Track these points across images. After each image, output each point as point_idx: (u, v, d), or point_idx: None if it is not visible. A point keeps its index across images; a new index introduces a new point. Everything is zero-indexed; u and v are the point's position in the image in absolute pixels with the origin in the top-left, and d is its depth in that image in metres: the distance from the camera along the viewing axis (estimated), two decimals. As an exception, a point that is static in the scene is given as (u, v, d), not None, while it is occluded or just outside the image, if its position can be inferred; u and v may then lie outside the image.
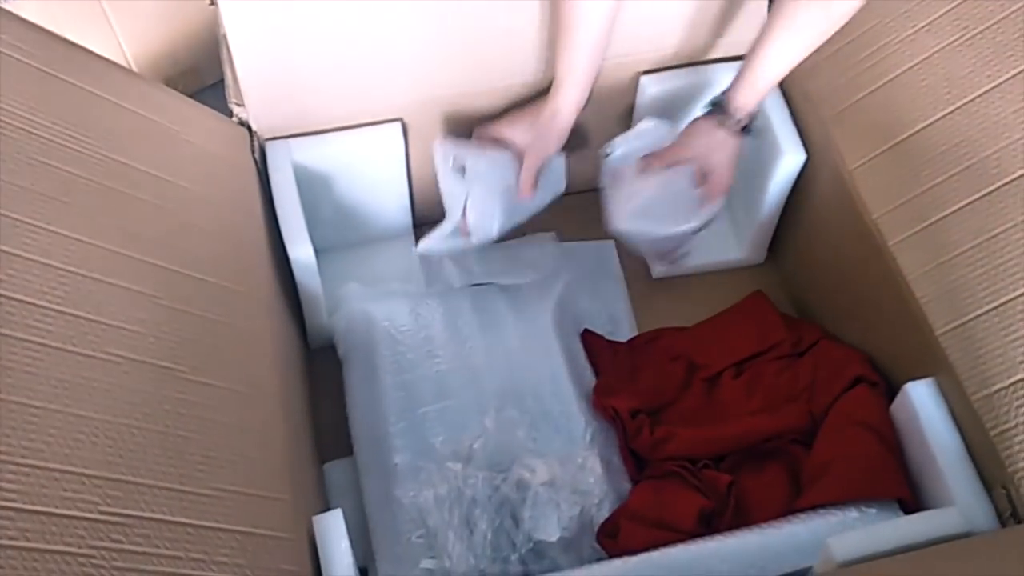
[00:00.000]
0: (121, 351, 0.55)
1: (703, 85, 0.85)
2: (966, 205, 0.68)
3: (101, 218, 0.60)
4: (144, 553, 0.49)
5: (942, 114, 0.71)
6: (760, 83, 0.74)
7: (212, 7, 0.72)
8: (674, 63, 0.85)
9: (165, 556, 0.50)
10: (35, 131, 0.60)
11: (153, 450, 0.54)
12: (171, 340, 0.59)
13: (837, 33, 0.72)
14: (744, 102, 0.74)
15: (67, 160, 0.61)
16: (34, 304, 0.53)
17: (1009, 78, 0.68)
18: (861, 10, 0.70)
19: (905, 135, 0.73)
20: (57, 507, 0.47)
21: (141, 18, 1.02)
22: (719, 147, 0.76)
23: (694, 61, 0.85)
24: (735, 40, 0.84)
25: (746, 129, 0.76)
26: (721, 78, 0.84)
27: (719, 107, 0.76)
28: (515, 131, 0.80)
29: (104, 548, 0.48)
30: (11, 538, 0.44)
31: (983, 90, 0.69)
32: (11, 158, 0.57)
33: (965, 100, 0.70)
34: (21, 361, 0.50)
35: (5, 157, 0.57)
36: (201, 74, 1.08)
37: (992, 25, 0.70)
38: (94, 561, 0.47)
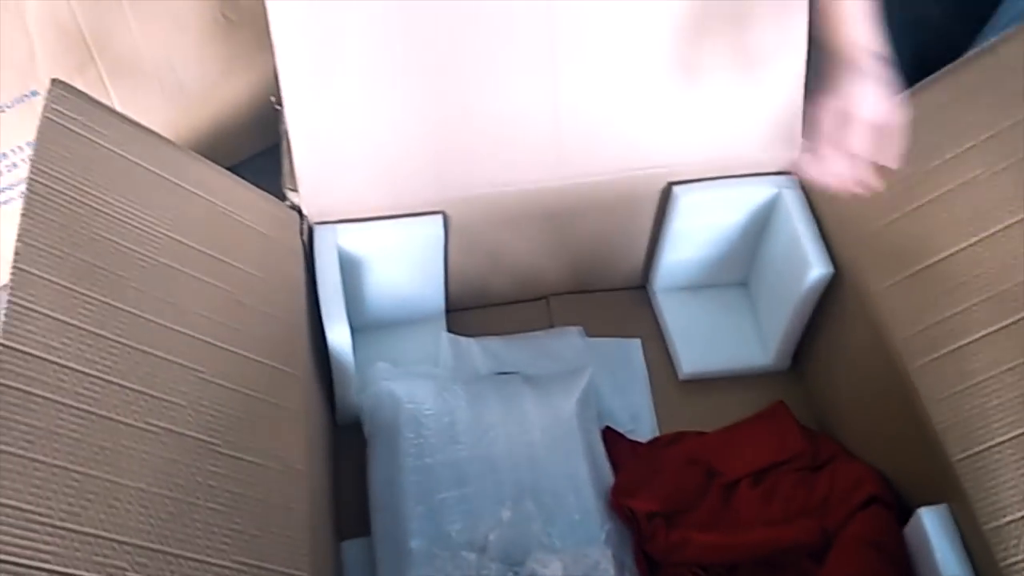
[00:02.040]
0: (162, 422, 0.58)
1: (735, 198, 0.88)
2: (986, 335, 0.69)
3: (155, 293, 0.64)
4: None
5: (966, 244, 0.73)
6: None
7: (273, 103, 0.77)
8: (707, 175, 0.88)
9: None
10: (101, 208, 0.64)
11: (183, 520, 0.56)
12: (209, 414, 0.62)
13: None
14: None
15: (128, 237, 0.65)
16: (84, 372, 0.56)
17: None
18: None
19: (930, 262, 0.74)
20: (88, 570, 0.50)
21: (149, 114, 1.04)
22: None
23: (727, 175, 0.88)
24: (768, 158, 0.87)
25: None
26: (753, 190, 0.87)
27: None
28: None
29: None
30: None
31: (1005, 224, 0.72)
32: (77, 233, 0.61)
33: (987, 233, 0.72)
34: (68, 427, 0.53)
35: (67, 230, 0.61)
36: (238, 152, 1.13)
37: (1016, 162, 0.73)
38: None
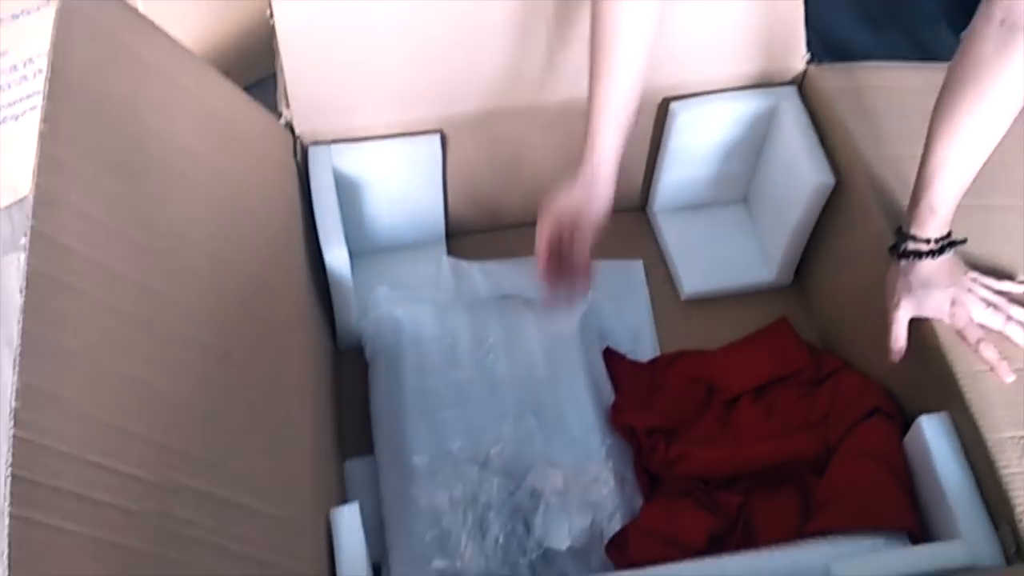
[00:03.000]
0: (181, 325, 0.58)
1: (734, 112, 0.87)
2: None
3: (171, 193, 0.63)
4: (169, 515, 0.51)
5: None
6: (948, 206, 0.68)
7: (269, 18, 0.75)
8: (704, 90, 0.86)
9: (183, 520, 0.52)
10: (118, 104, 0.62)
11: (197, 421, 0.56)
12: (216, 320, 0.61)
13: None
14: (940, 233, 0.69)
15: (146, 133, 0.63)
16: (108, 267, 0.54)
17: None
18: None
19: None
20: (112, 458, 0.49)
21: (177, 23, 1.05)
22: None
23: (725, 88, 0.86)
24: (768, 69, 0.85)
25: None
26: (753, 104, 0.86)
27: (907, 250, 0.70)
28: (552, 224, 0.76)
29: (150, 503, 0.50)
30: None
31: None
32: (98, 122, 0.59)
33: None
34: (95, 319, 0.52)
35: (94, 121, 0.59)
36: (231, 79, 1.12)
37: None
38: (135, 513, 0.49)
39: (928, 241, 0.69)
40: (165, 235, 0.61)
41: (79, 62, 0.61)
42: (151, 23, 0.70)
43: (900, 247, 0.70)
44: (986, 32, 0.61)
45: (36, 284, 0.49)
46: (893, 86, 0.84)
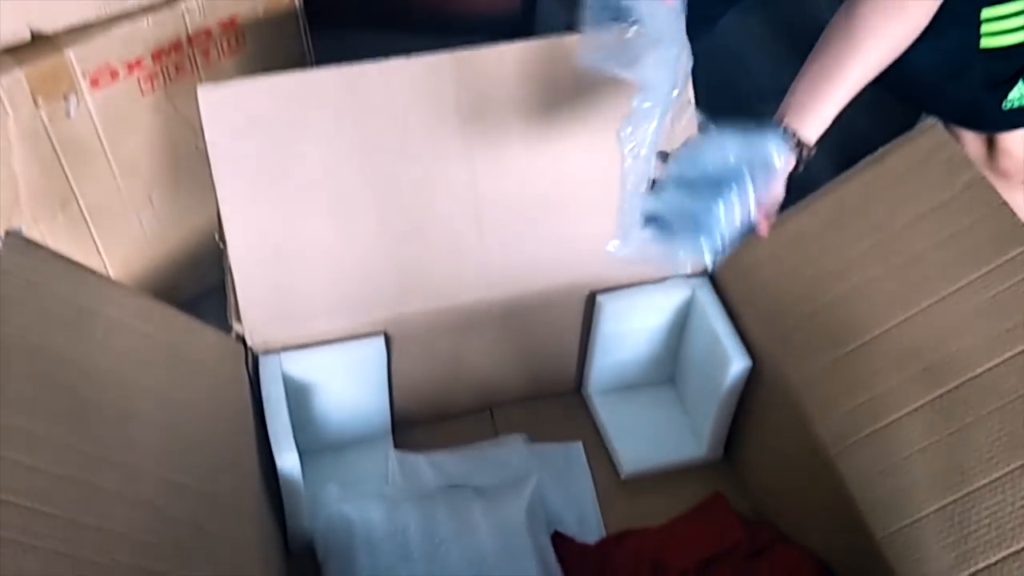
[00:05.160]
0: (124, 558, 0.59)
1: (655, 302, 0.95)
2: (905, 414, 0.74)
3: (111, 432, 0.65)
4: None
5: (890, 325, 0.78)
6: (829, 112, 0.70)
7: (218, 241, 0.81)
8: (627, 282, 0.94)
9: None
10: (54, 352, 0.66)
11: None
12: (167, 548, 0.63)
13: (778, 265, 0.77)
14: (813, 136, 0.70)
15: (83, 378, 0.67)
16: (47, 513, 0.57)
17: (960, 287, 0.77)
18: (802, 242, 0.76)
19: (849, 348, 0.80)
20: None
21: (126, 243, 1.14)
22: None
23: (644, 281, 0.94)
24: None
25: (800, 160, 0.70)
26: (671, 294, 0.94)
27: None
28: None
29: None
30: None
31: (939, 297, 0.77)
32: (33, 376, 0.63)
33: (917, 309, 0.78)
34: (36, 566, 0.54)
35: (27, 376, 0.62)
36: (179, 292, 1.19)
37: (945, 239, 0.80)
38: None
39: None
40: (114, 472, 0.63)
41: (16, 319, 0.65)
42: (89, 270, 0.74)
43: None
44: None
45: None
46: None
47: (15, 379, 0.62)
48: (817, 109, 0.71)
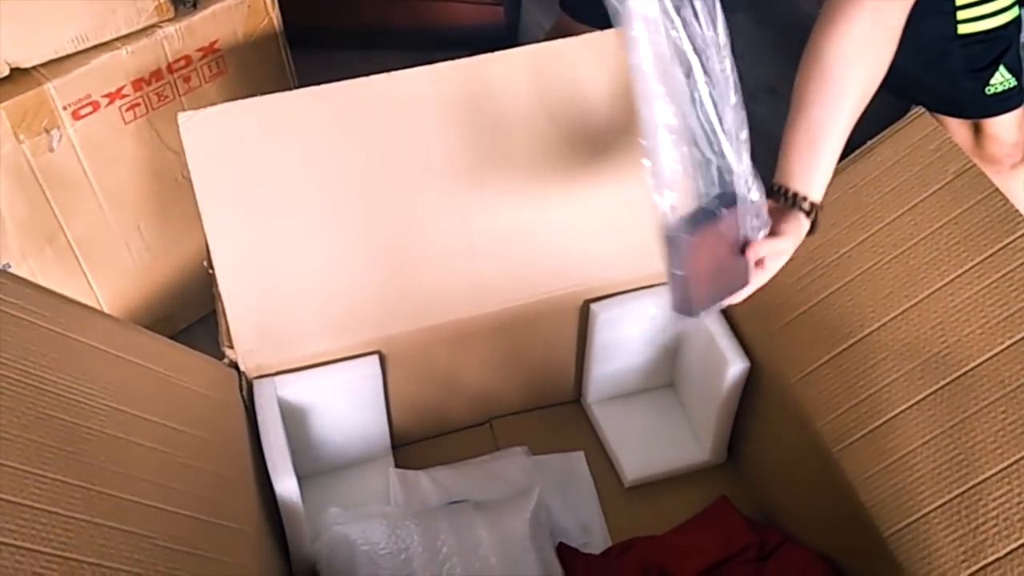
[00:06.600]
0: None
1: (649, 308, 0.94)
2: (905, 409, 0.74)
3: (104, 465, 0.64)
4: None
5: (886, 319, 0.78)
6: (829, 165, 0.70)
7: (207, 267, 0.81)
8: (618, 289, 0.93)
9: None
10: (43, 386, 0.66)
11: None
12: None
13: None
14: (821, 194, 0.71)
15: (73, 413, 0.66)
16: (40, 551, 0.56)
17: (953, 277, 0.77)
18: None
19: (845, 346, 0.80)
20: None
21: (117, 274, 1.14)
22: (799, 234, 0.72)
23: (636, 287, 0.93)
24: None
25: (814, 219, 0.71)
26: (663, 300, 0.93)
27: (786, 197, 0.71)
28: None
29: None
30: None
31: (933, 289, 0.77)
32: (21, 412, 0.62)
33: (912, 303, 0.77)
34: None
35: (15, 412, 0.62)
36: (173, 321, 1.19)
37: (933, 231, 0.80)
38: None
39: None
40: (110, 506, 0.62)
41: (3, 357, 0.64)
42: (80, 304, 0.73)
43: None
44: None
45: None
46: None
47: (4, 414, 0.61)
48: (818, 168, 0.70)
